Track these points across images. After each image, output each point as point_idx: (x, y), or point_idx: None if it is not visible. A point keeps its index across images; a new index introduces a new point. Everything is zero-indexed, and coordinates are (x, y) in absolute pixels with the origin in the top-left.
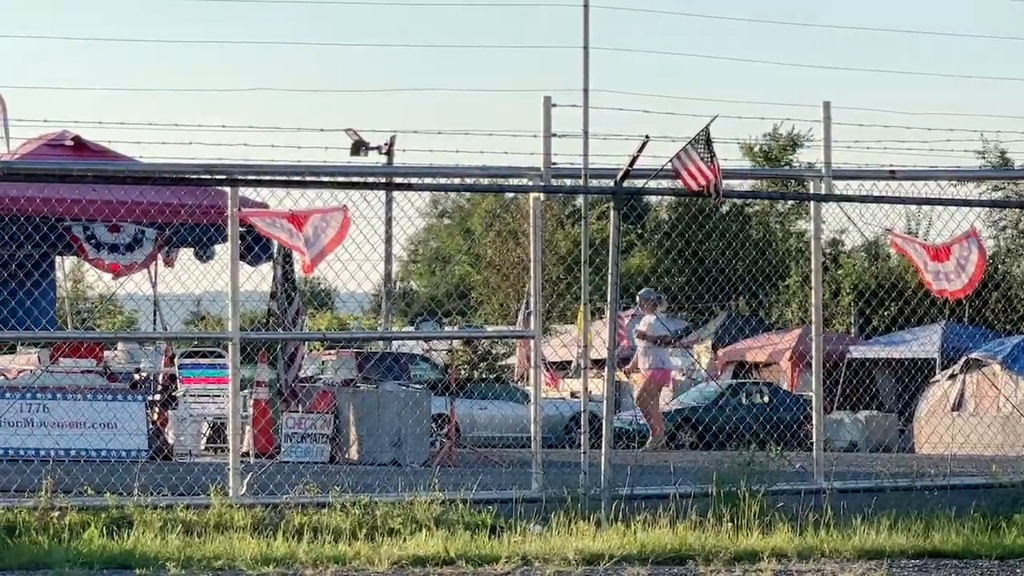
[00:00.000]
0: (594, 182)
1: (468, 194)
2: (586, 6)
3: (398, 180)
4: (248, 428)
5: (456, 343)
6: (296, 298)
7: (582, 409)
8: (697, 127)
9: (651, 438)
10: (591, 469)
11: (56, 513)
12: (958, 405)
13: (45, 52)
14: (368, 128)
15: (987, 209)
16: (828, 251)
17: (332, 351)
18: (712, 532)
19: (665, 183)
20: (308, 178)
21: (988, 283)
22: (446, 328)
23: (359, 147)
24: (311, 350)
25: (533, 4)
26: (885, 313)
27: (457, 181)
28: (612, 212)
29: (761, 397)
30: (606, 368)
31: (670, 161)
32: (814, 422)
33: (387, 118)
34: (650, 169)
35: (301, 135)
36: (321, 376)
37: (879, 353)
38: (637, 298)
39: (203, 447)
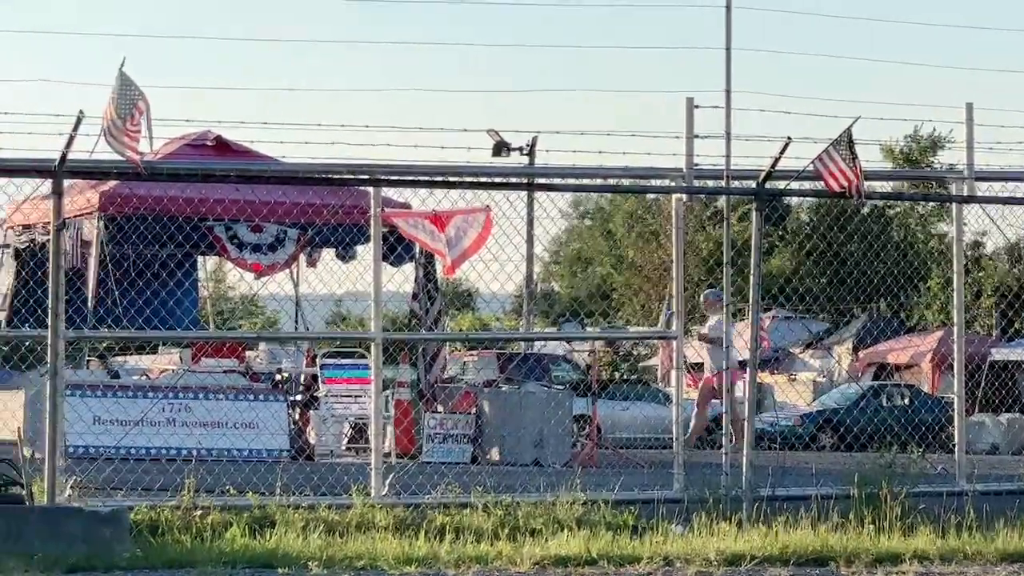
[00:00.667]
0: (736, 183)
1: (609, 195)
2: (728, 7)
3: (540, 180)
4: (390, 428)
5: (598, 344)
6: (438, 299)
7: (724, 410)
8: (838, 128)
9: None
10: (732, 470)
11: (198, 512)
12: None
13: (170, 52)
14: (510, 128)
15: None
16: (969, 253)
17: (474, 352)
18: (853, 533)
19: (807, 184)
20: (450, 178)
21: None
22: (588, 329)
23: (501, 148)
24: (453, 351)
25: (676, 5)
26: None
27: (599, 181)
28: (754, 213)
29: (902, 399)
30: (748, 369)
31: (812, 162)
32: (956, 424)
33: (529, 119)
34: (792, 170)
35: (443, 135)
36: (463, 377)
37: (1021, 355)
38: (701, 298)
39: (344, 447)
